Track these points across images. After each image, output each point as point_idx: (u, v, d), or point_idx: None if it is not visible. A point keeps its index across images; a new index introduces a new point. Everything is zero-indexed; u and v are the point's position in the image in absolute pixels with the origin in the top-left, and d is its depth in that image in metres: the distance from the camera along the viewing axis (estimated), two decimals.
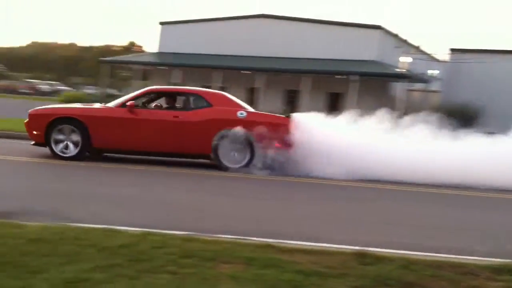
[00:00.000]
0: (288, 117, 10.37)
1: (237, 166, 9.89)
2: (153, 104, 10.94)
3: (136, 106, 10.14)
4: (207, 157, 10.22)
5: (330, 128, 10.26)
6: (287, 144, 9.83)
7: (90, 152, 10.21)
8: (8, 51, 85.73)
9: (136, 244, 4.45)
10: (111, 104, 10.51)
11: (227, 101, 10.51)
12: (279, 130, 9.83)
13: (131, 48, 77.32)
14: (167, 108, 10.64)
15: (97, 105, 10.83)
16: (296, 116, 10.40)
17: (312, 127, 10.07)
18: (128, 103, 10.12)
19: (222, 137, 9.91)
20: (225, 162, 9.96)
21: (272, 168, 9.79)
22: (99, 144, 10.07)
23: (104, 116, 10.09)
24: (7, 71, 71.82)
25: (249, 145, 9.88)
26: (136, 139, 10.08)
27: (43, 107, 10.81)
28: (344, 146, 9.86)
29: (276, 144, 9.77)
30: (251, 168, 9.76)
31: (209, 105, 10.23)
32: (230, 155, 10.00)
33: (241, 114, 10.12)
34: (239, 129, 9.80)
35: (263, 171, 9.67)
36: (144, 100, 10.69)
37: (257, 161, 9.82)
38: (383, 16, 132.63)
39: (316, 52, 34.18)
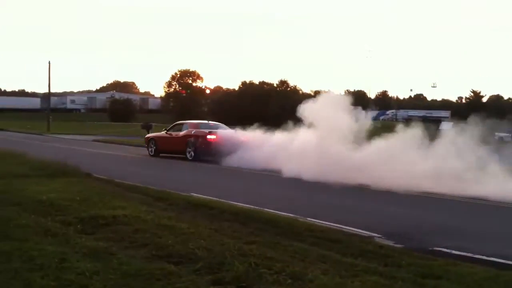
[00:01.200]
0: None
1: (190, 158, 21.55)
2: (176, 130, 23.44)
3: (168, 131, 23.35)
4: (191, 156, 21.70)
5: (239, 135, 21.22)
6: (215, 146, 20.56)
7: (158, 152, 23.43)
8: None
9: None
10: (163, 131, 23.59)
11: (195, 126, 22.65)
12: (210, 139, 21.03)
13: None
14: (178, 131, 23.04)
15: (162, 132, 23.66)
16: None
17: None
18: (166, 130, 23.39)
19: (187, 144, 21.70)
20: (188, 156, 21.74)
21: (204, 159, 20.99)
22: (160, 149, 23.37)
23: (160, 136, 23.64)
24: None
25: (194, 146, 21.39)
26: (170, 146, 22.91)
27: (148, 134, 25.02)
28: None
29: (206, 146, 21.00)
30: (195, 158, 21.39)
31: (187, 128, 22.46)
32: (190, 153, 21.66)
33: (194, 132, 21.80)
34: (192, 139, 21.57)
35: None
36: (172, 128, 23.67)
37: (198, 155, 21.30)
38: None
39: None
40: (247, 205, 9.90)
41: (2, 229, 7.42)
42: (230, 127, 22.30)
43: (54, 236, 7.12)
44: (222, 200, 10.36)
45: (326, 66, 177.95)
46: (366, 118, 18.82)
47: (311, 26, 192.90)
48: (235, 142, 20.05)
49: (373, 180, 13.99)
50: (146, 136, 24.63)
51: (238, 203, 10.22)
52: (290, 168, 16.35)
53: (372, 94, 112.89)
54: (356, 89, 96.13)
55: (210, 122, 24.32)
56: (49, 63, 56.11)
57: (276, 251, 6.74)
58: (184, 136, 21.74)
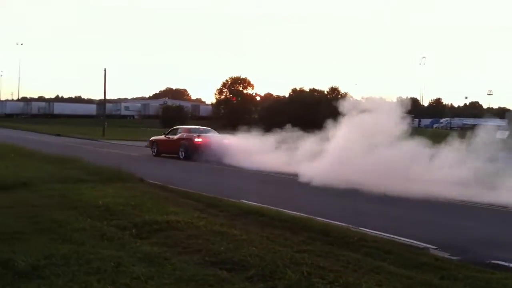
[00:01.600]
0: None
1: (182, 157, 24.50)
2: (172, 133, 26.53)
3: (166, 135, 26.54)
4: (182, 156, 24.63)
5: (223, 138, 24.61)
6: (201, 148, 23.39)
7: (159, 153, 26.30)
8: None
9: None
10: (163, 135, 27.03)
11: (187, 130, 25.99)
12: (197, 142, 24.13)
13: None
14: (174, 134, 26.06)
15: (162, 136, 26.97)
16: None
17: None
18: (165, 134, 26.70)
19: (180, 146, 24.70)
20: (180, 156, 24.67)
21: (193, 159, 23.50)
22: (160, 150, 26.43)
23: (160, 139, 26.74)
24: None
25: (185, 148, 24.47)
26: (168, 148, 25.80)
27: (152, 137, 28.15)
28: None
29: (194, 147, 23.88)
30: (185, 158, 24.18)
31: (180, 132, 25.62)
32: (182, 153, 24.60)
33: (185, 136, 24.98)
34: (183, 142, 24.63)
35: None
36: (170, 132, 26.74)
37: (188, 156, 24.06)
38: None
39: None
40: (299, 213, 9.84)
41: (61, 232, 7.66)
42: (278, 131, 23.23)
43: (110, 240, 7.29)
44: (273, 208, 10.35)
45: (379, 73, 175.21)
46: (415, 126, 18.53)
47: (364, 32, 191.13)
48: (219, 145, 23.21)
49: (420, 189, 13.65)
50: (150, 139, 27.87)
51: (290, 211, 10.19)
52: (318, 173, 16.09)
53: (425, 102, 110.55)
54: (408, 96, 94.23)
55: (200, 127, 27.82)
56: (105, 70, 57.70)
57: (329, 260, 6.67)
58: (178, 139, 25.15)
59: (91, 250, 6.66)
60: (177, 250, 6.94)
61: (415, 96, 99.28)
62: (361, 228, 8.96)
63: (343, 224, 9.19)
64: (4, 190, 11.50)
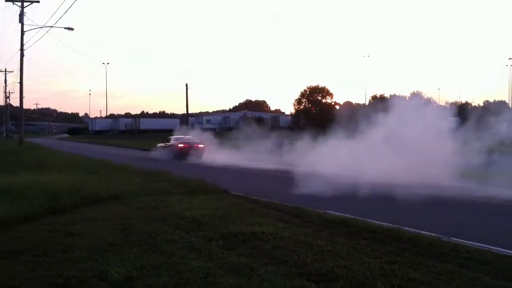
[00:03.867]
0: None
1: (171, 158, 33.14)
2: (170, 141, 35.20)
3: (164, 142, 35.76)
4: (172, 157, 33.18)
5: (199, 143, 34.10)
6: (182, 151, 32.88)
7: (161, 156, 34.72)
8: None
9: None
10: (162, 143, 36.18)
11: (179, 139, 34.90)
12: (179, 147, 33.44)
13: None
14: (169, 142, 34.98)
15: (162, 144, 36.03)
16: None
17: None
18: (164, 142, 35.96)
19: (173, 150, 33.57)
20: (172, 158, 32.96)
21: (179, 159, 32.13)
22: (161, 153, 35.16)
23: (161, 146, 35.99)
24: None
25: (172, 151, 33.55)
26: (167, 152, 33.98)
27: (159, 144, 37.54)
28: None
29: (178, 151, 33.11)
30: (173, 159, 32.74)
31: (170, 141, 34.86)
32: (170, 155, 33.40)
33: (172, 142, 34.34)
34: (171, 147, 33.95)
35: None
36: (166, 141, 35.51)
37: (175, 157, 32.84)
38: None
39: None
40: (386, 224, 9.58)
41: (151, 243, 7.90)
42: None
43: (198, 251, 7.42)
44: (359, 218, 10.14)
45: (465, 76, 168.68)
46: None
47: (443, 34, 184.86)
48: (195, 148, 32.96)
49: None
50: (157, 145, 36.96)
51: (376, 221, 9.95)
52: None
53: None
54: (496, 100, 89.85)
55: (185, 136, 36.60)
56: (186, 85, 59.57)
57: (420, 272, 6.43)
58: (170, 145, 34.17)
59: (180, 261, 6.81)
60: (263, 261, 6.95)
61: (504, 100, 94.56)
62: (453, 238, 8.58)
63: (433, 234, 8.83)
64: (97, 203, 12.07)
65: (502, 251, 7.94)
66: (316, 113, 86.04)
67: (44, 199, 11.25)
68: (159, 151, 35.48)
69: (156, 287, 5.77)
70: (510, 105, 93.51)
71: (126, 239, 8.22)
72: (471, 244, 8.33)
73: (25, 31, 42.95)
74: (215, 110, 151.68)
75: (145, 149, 48.18)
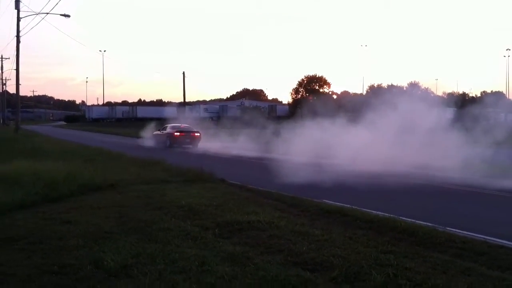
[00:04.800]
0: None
1: (168, 146, 32.93)
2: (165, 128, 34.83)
3: (160, 130, 35.24)
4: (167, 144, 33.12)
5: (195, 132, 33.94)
6: (178, 139, 32.78)
7: (157, 144, 34.57)
8: None
9: None
10: (158, 131, 35.82)
11: (175, 127, 34.14)
12: (176, 135, 32.97)
13: None
14: (165, 130, 34.35)
15: (158, 132, 35.56)
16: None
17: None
18: (159, 130, 35.46)
19: (169, 138, 33.10)
20: (168, 146, 32.89)
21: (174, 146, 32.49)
22: (156, 142, 34.92)
23: (157, 134, 35.53)
24: None
25: (169, 139, 33.09)
26: (163, 140, 33.65)
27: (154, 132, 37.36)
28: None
29: (174, 139, 32.78)
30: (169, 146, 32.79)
31: (166, 129, 34.24)
32: (166, 143, 33.19)
33: (168, 131, 33.69)
34: (167, 135, 33.43)
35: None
36: (162, 129, 35.09)
37: (171, 145, 32.76)
38: None
39: None
40: (382, 213, 9.59)
41: (147, 232, 7.89)
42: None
43: (194, 240, 7.42)
44: (355, 208, 10.15)
45: (463, 67, 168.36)
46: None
47: (441, 25, 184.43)
48: (190, 136, 32.97)
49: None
50: (153, 133, 36.76)
51: (372, 211, 9.95)
52: None
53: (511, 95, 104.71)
54: (493, 90, 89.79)
55: (181, 124, 35.71)
56: (184, 73, 59.31)
57: (415, 262, 6.44)
58: (165, 133, 33.81)
59: (176, 250, 6.80)
60: (259, 250, 6.95)
61: (501, 90, 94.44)
62: (448, 228, 8.59)
63: (429, 224, 8.84)
64: (93, 191, 12.04)
65: (497, 241, 7.96)
66: (314, 102, 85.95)
67: (40, 187, 11.22)
68: (155, 139, 35.40)
69: (151, 275, 5.77)
70: (507, 96, 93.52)
71: (122, 227, 8.21)
72: (468, 234, 8.35)
73: (21, 18, 42.72)
74: (213, 99, 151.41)
75: (141, 137, 48.13)
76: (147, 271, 5.90)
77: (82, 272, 5.90)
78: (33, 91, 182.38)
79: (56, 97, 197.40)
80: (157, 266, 6.07)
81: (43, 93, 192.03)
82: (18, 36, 43.15)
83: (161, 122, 42.25)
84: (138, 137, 41.41)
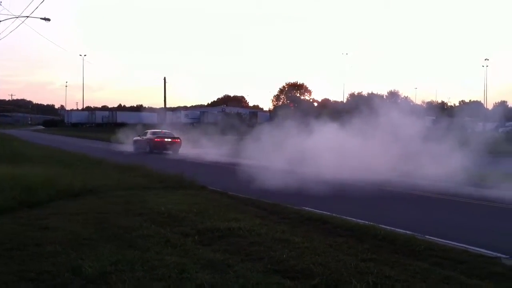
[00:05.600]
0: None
1: (147, 151, 33.15)
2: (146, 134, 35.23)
3: (140, 136, 35.44)
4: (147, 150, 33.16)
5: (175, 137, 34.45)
6: (158, 145, 33.24)
7: (137, 150, 35.00)
8: None
9: None
10: (138, 136, 35.94)
11: (156, 133, 34.75)
12: (156, 140, 33.52)
13: None
14: (145, 135, 34.79)
15: (138, 137, 35.70)
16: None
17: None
18: (139, 136, 35.66)
19: (149, 143, 33.37)
20: (146, 150, 33.21)
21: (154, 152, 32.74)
22: (137, 147, 35.20)
23: (138, 139, 35.43)
24: None
25: (149, 145, 33.31)
26: (143, 145, 33.85)
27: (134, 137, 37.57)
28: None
29: (154, 144, 33.17)
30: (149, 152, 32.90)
31: (147, 134, 34.66)
32: (146, 148, 33.42)
33: (148, 136, 34.17)
34: (148, 140, 33.70)
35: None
36: (143, 134, 35.32)
37: (151, 150, 32.96)
38: None
39: None
40: (362, 221, 9.63)
41: (126, 238, 7.81)
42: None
43: (174, 247, 7.36)
44: (336, 215, 10.18)
45: (442, 76, 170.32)
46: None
47: (421, 34, 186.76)
48: (171, 142, 33.24)
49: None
50: (133, 138, 36.76)
51: (352, 219, 9.99)
52: None
53: (489, 105, 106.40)
54: (471, 100, 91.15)
55: (162, 130, 36.36)
56: (164, 79, 59.09)
57: (395, 269, 6.48)
58: (145, 139, 34.10)
59: (155, 257, 6.75)
60: (239, 257, 6.92)
61: (478, 100, 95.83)
62: (427, 236, 8.66)
63: (408, 232, 8.89)
64: (72, 197, 11.90)
65: (474, 249, 8.03)
66: (294, 110, 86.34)
67: (17, 192, 11.04)
68: (135, 144, 35.42)
69: (130, 283, 5.71)
70: (485, 105, 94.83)
71: (101, 234, 8.12)
72: (447, 242, 8.41)
73: (0, 21, 42.18)
74: (194, 105, 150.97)
75: (121, 143, 47.74)
76: (126, 278, 5.83)
77: (59, 279, 5.82)
78: (11, 95, 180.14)
79: (35, 101, 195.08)
80: (136, 273, 6.01)
81: (22, 97, 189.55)
82: None
83: (141, 127, 41.96)
84: (118, 142, 41.09)
